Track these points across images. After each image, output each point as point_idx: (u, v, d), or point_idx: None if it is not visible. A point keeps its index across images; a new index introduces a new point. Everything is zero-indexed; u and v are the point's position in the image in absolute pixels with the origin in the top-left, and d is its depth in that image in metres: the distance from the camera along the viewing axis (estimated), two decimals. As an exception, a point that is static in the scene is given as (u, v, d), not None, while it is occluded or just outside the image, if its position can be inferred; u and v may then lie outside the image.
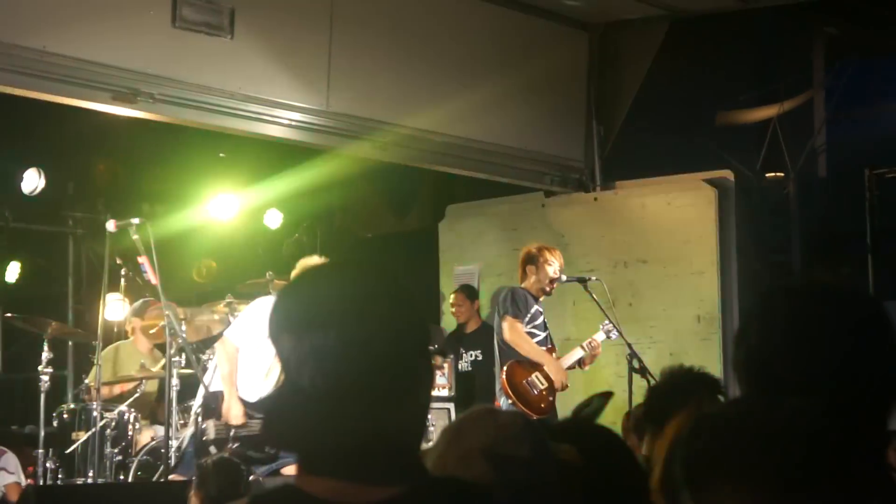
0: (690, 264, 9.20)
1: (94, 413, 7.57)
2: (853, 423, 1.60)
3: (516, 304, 7.99)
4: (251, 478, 6.16)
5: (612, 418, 7.59)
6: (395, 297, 1.68)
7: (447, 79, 8.76)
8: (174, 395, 7.31)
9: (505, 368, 7.95)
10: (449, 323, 10.05)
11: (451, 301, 9.82)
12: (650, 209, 9.50)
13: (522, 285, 8.17)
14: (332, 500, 1.61)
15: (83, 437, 7.68)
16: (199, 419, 7.18)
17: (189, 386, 7.68)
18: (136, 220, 7.32)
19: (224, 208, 10.27)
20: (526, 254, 8.26)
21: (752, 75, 10.36)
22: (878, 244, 9.69)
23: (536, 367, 7.96)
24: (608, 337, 8.14)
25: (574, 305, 9.35)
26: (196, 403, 7.42)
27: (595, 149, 9.76)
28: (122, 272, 9.31)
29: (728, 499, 1.47)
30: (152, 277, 7.24)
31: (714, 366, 8.27)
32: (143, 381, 8.31)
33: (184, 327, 7.49)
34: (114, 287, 8.78)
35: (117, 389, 8.43)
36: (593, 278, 8.49)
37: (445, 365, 9.08)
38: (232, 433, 7.02)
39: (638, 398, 7.16)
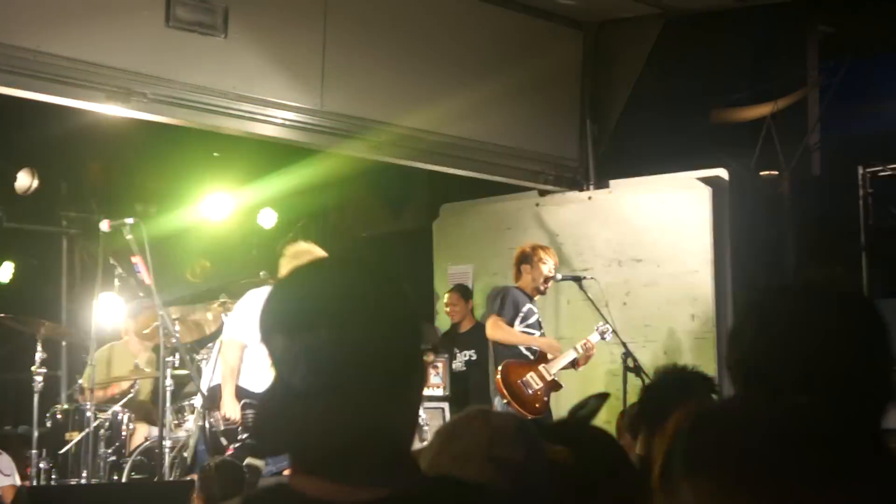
0: (685, 263, 9.20)
1: (88, 413, 7.56)
2: (849, 422, 1.60)
3: (503, 303, 8.03)
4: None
5: (606, 417, 7.60)
6: (388, 294, 1.68)
7: (441, 78, 8.76)
8: (168, 395, 7.30)
9: (500, 368, 7.96)
10: (443, 322, 10.05)
11: (445, 301, 9.82)
12: (644, 208, 9.49)
13: (517, 284, 8.20)
14: (324, 500, 1.60)
15: (77, 437, 7.67)
16: (206, 415, 7.15)
17: (182, 386, 7.68)
18: (129, 220, 7.30)
19: (218, 208, 10.25)
20: (520, 253, 8.29)
21: (746, 74, 10.36)
22: (872, 242, 9.68)
23: (531, 366, 7.97)
24: (602, 338, 8.15)
25: (568, 304, 9.35)
26: (198, 402, 7.41)
27: (589, 147, 9.76)
28: (116, 272, 9.29)
29: (728, 491, 1.47)
30: (146, 277, 7.23)
31: (709, 365, 8.27)
32: (137, 381, 8.30)
33: (177, 327, 7.48)
34: (107, 287, 8.75)
35: (111, 390, 8.42)
36: (588, 277, 8.51)
37: (440, 364, 9.08)
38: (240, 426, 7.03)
39: (632, 397, 7.16)
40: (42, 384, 7.64)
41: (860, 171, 9.70)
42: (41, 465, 7.54)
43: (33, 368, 7.66)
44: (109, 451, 7.69)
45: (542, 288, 8.19)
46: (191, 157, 10.15)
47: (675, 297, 9.21)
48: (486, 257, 10.17)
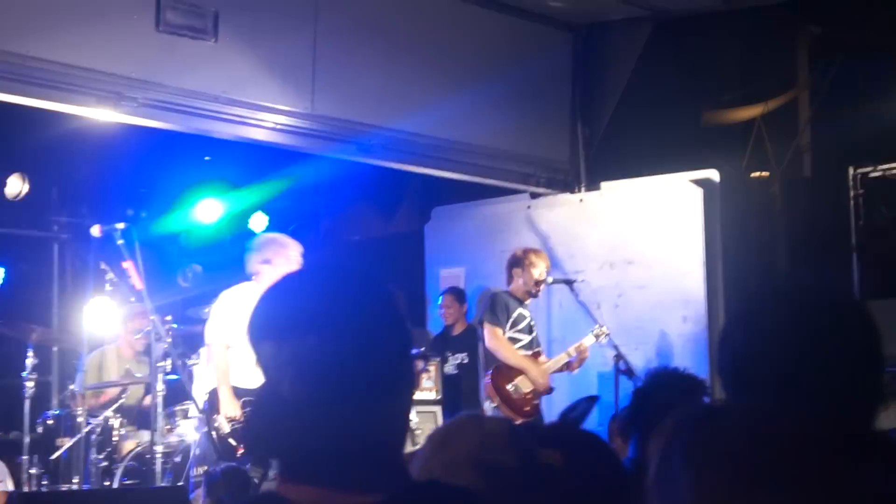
0: (676, 265, 9.20)
1: (79, 419, 7.53)
2: (840, 424, 1.60)
3: (494, 311, 8.03)
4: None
5: (598, 420, 7.60)
6: (376, 300, 1.67)
7: (432, 81, 8.75)
8: (160, 400, 7.28)
9: (489, 372, 7.96)
10: (435, 325, 10.04)
11: (440, 303, 9.82)
12: (636, 210, 9.49)
13: (509, 288, 8.21)
14: (314, 508, 1.59)
15: (68, 443, 7.65)
16: (207, 419, 7.15)
17: (174, 391, 7.66)
18: (120, 225, 7.29)
19: (209, 212, 10.24)
20: (512, 257, 8.32)
21: (737, 75, 10.38)
22: (863, 243, 9.70)
23: (521, 371, 7.97)
24: (597, 340, 8.15)
25: (560, 307, 9.35)
26: (193, 409, 7.41)
27: (580, 150, 9.76)
28: (107, 277, 9.26)
29: (722, 493, 1.47)
30: (137, 282, 7.22)
31: (700, 366, 8.27)
32: (128, 386, 8.28)
33: (168, 332, 7.47)
34: (99, 292, 8.72)
35: (102, 395, 8.39)
36: (579, 279, 8.51)
37: (431, 368, 9.07)
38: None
39: (624, 400, 7.16)
40: (33, 390, 7.62)
41: (851, 172, 9.73)
42: (32, 471, 7.51)
43: (24, 374, 7.64)
44: (101, 456, 7.66)
45: (533, 291, 8.20)
46: (182, 161, 10.13)
47: (667, 299, 9.21)
48: (477, 260, 10.17)
